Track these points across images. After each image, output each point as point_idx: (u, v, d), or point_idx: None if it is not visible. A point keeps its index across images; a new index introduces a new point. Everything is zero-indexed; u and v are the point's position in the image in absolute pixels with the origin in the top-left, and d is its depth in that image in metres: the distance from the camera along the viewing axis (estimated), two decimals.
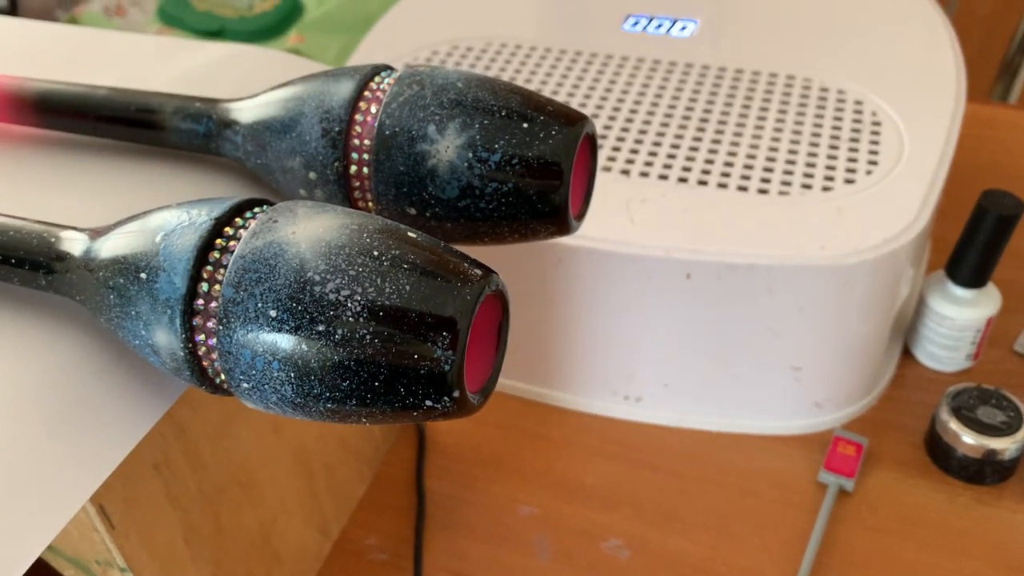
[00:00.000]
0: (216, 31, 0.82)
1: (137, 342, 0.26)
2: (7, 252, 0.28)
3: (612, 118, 0.56)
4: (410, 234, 0.25)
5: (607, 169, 0.51)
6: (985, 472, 0.48)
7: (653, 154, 0.52)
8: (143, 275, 0.25)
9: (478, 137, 0.30)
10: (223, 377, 0.25)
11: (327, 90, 0.32)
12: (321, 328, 0.23)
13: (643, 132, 0.54)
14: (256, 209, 0.27)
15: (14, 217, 0.29)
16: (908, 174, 0.50)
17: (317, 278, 0.24)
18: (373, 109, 0.31)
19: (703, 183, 0.50)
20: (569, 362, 0.53)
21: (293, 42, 0.80)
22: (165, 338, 0.25)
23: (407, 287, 0.24)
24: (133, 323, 0.26)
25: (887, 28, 0.64)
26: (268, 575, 0.41)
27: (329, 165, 0.31)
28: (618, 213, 0.48)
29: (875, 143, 0.52)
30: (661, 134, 0.54)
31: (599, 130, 0.55)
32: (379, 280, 0.24)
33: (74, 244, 0.28)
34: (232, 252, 0.25)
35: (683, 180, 0.50)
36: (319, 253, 0.24)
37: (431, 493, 0.50)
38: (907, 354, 0.57)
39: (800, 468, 0.50)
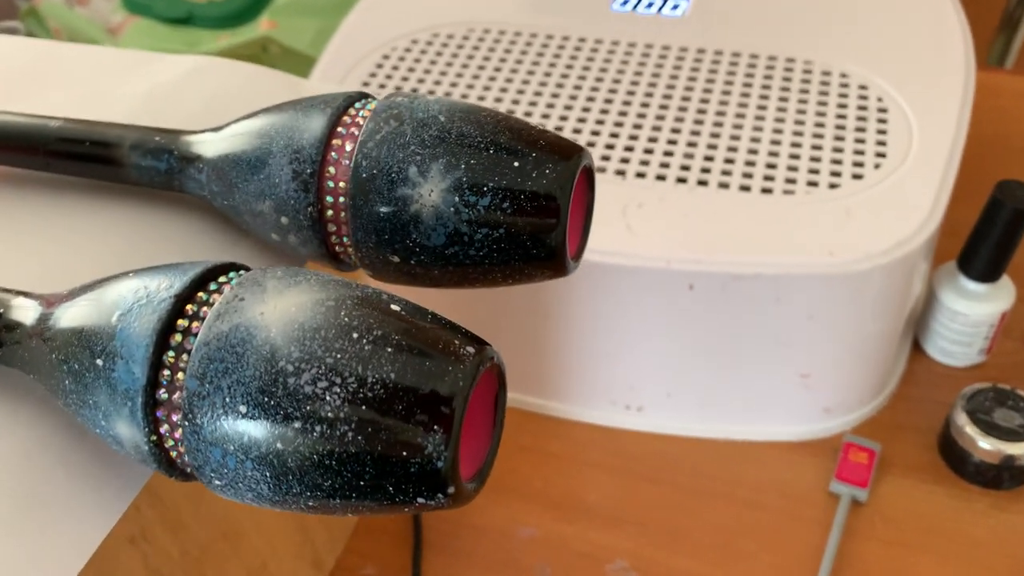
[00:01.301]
0: (184, 18, 0.78)
1: (98, 431, 0.24)
2: None
3: (604, 111, 0.53)
4: (393, 307, 0.23)
5: (601, 170, 0.49)
6: (1003, 477, 0.46)
7: (649, 151, 0.50)
8: (99, 361, 0.23)
9: (465, 179, 0.27)
10: (192, 470, 0.23)
11: (296, 125, 0.29)
12: (297, 425, 0.21)
13: (637, 127, 0.51)
14: (222, 278, 0.24)
15: None
16: (918, 167, 0.47)
17: (291, 368, 0.21)
18: (348, 147, 0.28)
19: (703, 183, 0.47)
20: (567, 373, 0.50)
21: (265, 28, 0.76)
22: (127, 430, 0.23)
23: (392, 375, 0.21)
24: (92, 412, 0.23)
25: (888, 2, 0.60)
26: None
27: (302, 210, 0.29)
28: (615, 220, 0.45)
29: (882, 132, 0.50)
30: (656, 128, 0.51)
31: (590, 127, 0.52)
32: (360, 368, 0.21)
33: (26, 313, 0.25)
34: (195, 335, 0.22)
35: (682, 180, 0.47)
36: (292, 338, 0.22)
37: (428, 518, 0.48)
38: (916, 347, 0.55)
39: (810, 477, 0.48)
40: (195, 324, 0.23)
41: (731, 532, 0.46)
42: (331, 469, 0.21)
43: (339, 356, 0.21)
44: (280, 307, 0.22)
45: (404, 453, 0.21)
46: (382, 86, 0.56)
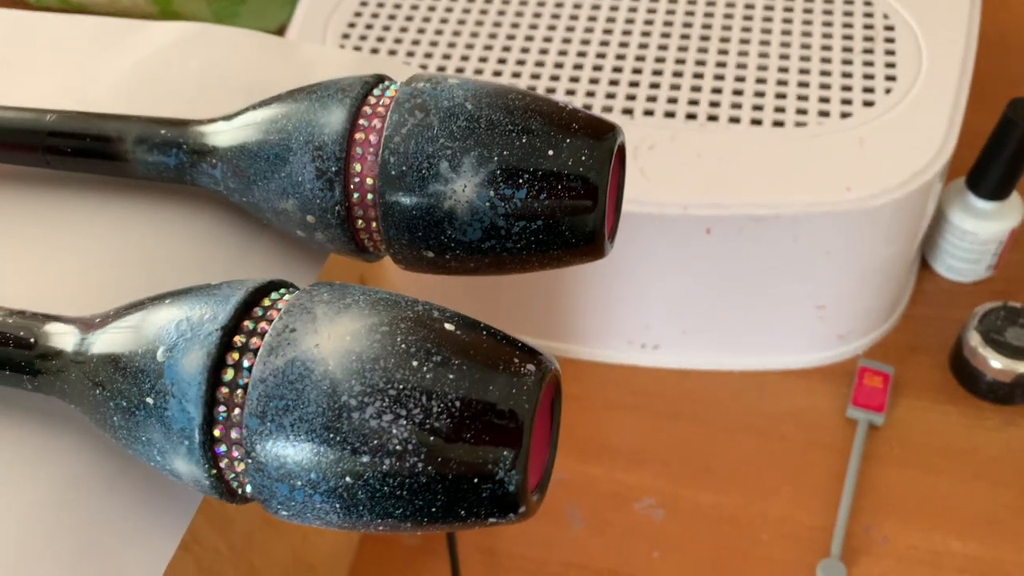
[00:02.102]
0: None
1: (152, 464, 0.23)
2: None
3: (604, 43, 0.51)
4: (447, 326, 0.22)
5: (608, 110, 0.47)
6: (1015, 394, 0.47)
7: (655, 86, 0.48)
8: (149, 400, 0.22)
9: (499, 172, 0.26)
10: (257, 502, 0.23)
11: (315, 119, 0.28)
12: (365, 459, 0.21)
13: (640, 59, 0.50)
14: (265, 301, 0.23)
15: None
16: (930, 89, 0.46)
17: (353, 402, 0.21)
18: (372, 140, 0.27)
19: (713, 118, 0.46)
20: (581, 316, 0.50)
21: None
22: (185, 467, 0.23)
23: (456, 402, 0.21)
24: (145, 447, 0.23)
25: None
26: None
27: (329, 208, 0.28)
28: (627, 164, 0.44)
29: (891, 53, 0.48)
30: (660, 60, 0.50)
31: (591, 61, 0.50)
32: (424, 398, 0.21)
33: (64, 340, 0.25)
34: (247, 368, 0.22)
35: (691, 117, 0.46)
36: (351, 370, 0.21)
37: None
38: (924, 264, 0.55)
39: (827, 404, 0.49)
40: (246, 357, 0.22)
41: (753, 464, 0.47)
42: (402, 499, 0.21)
43: (401, 387, 0.21)
44: (334, 337, 0.22)
45: (475, 480, 0.21)
46: (369, 26, 0.54)
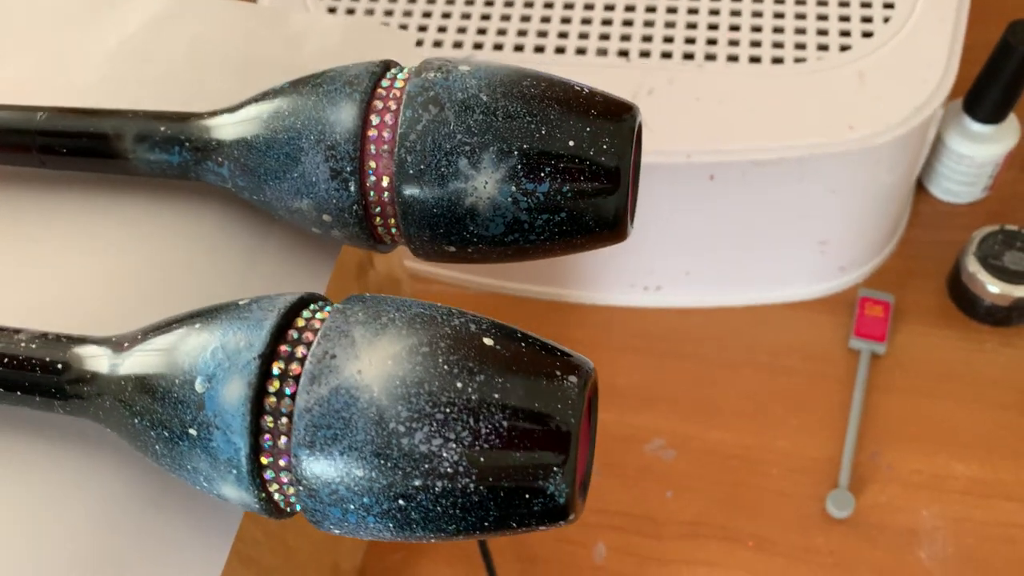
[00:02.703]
0: None
1: (198, 488, 0.24)
2: (5, 386, 0.25)
3: None
4: (487, 341, 0.22)
5: (603, 52, 0.46)
6: (1012, 317, 0.48)
7: (649, 24, 0.47)
8: (192, 431, 0.22)
9: (520, 167, 0.26)
10: (309, 522, 0.23)
11: (325, 116, 0.27)
12: (417, 483, 0.21)
13: None
14: (299, 321, 0.23)
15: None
16: (929, 16, 0.45)
17: (402, 428, 0.21)
18: (387, 137, 0.26)
19: (711, 57, 0.45)
20: (584, 261, 0.50)
21: None
22: (234, 492, 0.23)
23: (504, 423, 0.21)
24: (191, 475, 0.23)
25: None
26: (333, 560, 0.41)
27: (346, 208, 0.27)
28: None
29: None
30: None
31: (582, 0, 0.49)
32: (472, 420, 0.21)
33: (93, 363, 0.24)
34: (290, 395, 0.22)
35: (689, 56, 0.45)
36: (396, 396, 0.21)
37: None
38: (920, 187, 0.55)
39: (829, 335, 0.50)
40: (287, 384, 0.22)
41: (759, 399, 0.48)
42: (455, 516, 0.21)
43: (448, 411, 0.21)
44: (376, 362, 0.22)
45: (526, 495, 0.21)
46: None
